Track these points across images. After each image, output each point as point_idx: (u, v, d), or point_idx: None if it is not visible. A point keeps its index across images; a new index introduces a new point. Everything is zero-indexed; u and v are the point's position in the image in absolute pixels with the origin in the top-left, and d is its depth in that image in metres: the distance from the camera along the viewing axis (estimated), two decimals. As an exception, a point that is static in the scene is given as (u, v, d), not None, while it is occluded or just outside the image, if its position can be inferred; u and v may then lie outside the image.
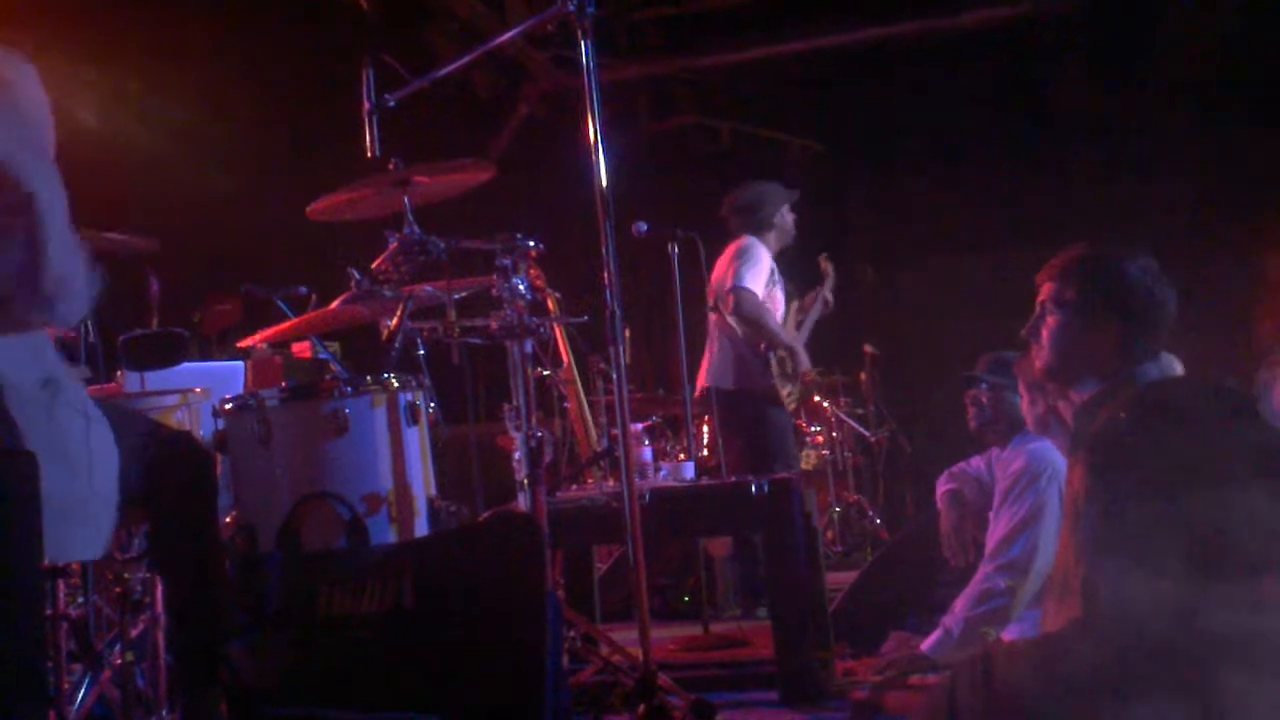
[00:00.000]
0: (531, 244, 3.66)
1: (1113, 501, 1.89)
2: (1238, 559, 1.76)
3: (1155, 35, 7.81)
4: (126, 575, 3.10)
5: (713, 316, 5.45)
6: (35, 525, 2.10)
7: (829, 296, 5.83)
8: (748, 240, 5.43)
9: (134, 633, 3.18)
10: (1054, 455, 3.83)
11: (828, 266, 5.89)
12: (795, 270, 5.91)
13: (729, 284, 5.28)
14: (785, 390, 5.40)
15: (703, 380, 5.49)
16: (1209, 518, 1.77)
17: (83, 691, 3.15)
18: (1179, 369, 2.96)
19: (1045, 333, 2.69)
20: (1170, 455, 1.87)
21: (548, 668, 2.67)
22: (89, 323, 3.33)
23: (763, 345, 5.33)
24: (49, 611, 3.15)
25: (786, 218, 5.60)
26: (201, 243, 5.88)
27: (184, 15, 6.23)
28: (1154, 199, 7.73)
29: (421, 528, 3.23)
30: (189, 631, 2.74)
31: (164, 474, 2.68)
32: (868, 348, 7.99)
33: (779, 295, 5.49)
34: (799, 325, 5.66)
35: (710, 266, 5.33)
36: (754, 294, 5.26)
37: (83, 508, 2.33)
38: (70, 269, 2.36)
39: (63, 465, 2.28)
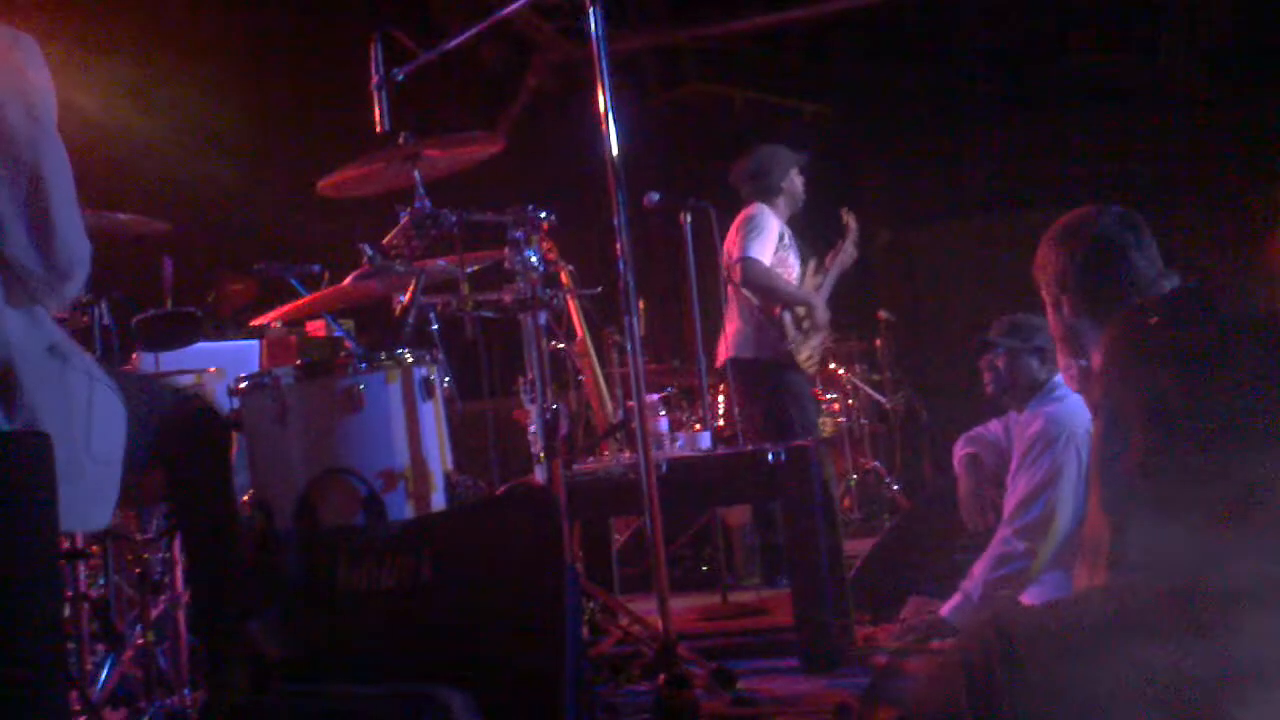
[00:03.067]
0: (544, 216, 3.65)
1: (1145, 395, 1.88)
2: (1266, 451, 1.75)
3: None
4: (146, 556, 3.12)
5: (728, 287, 5.42)
6: (51, 506, 2.11)
7: (853, 249, 5.77)
8: (755, 209, 5.39)
9: (155, 613, 3.19)
10: (1072, 418, 3.81)
11: (850, 219, 5.84)
12: (813, 232, 5.87)
13: (735, 255, 5.25)
14: (804, 353, 5.36)
15: (722, 352, 5.47)
16: (1241, 405, 1.76)
17: (105, 672, 3.17)
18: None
19: (1050, 296, 2.77)
20: (1200, 345, 1.86)
21: (567, 640, 2.68)
22: (103, 304, 3.33)
23: (778, 309, 5.30)
24: (70, 593, 3.18)
25: (795, 181, 5.55)
26: (213, 222, 5.88)
27: (192, -1, 6.22)
28: (1169, 159, 7.67)
29: (438, 502, 3.24)
30: (209, 604, 2.75)
31: (180, 437, 2.70)
32: (882, 313, 7.94)
33: (791, 258, 5.45)
34: (818, 286, 5.62)
35: (724, 236, 5.31)
36: (760, 262, 5.23)
37: (81, 475, 2.34)
38: (78, 247, 2.40)
39: (66, 432, 2.29)
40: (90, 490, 2.37)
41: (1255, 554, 1.70)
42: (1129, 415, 1.88)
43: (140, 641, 3.11)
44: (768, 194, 5.47)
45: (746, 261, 5.22)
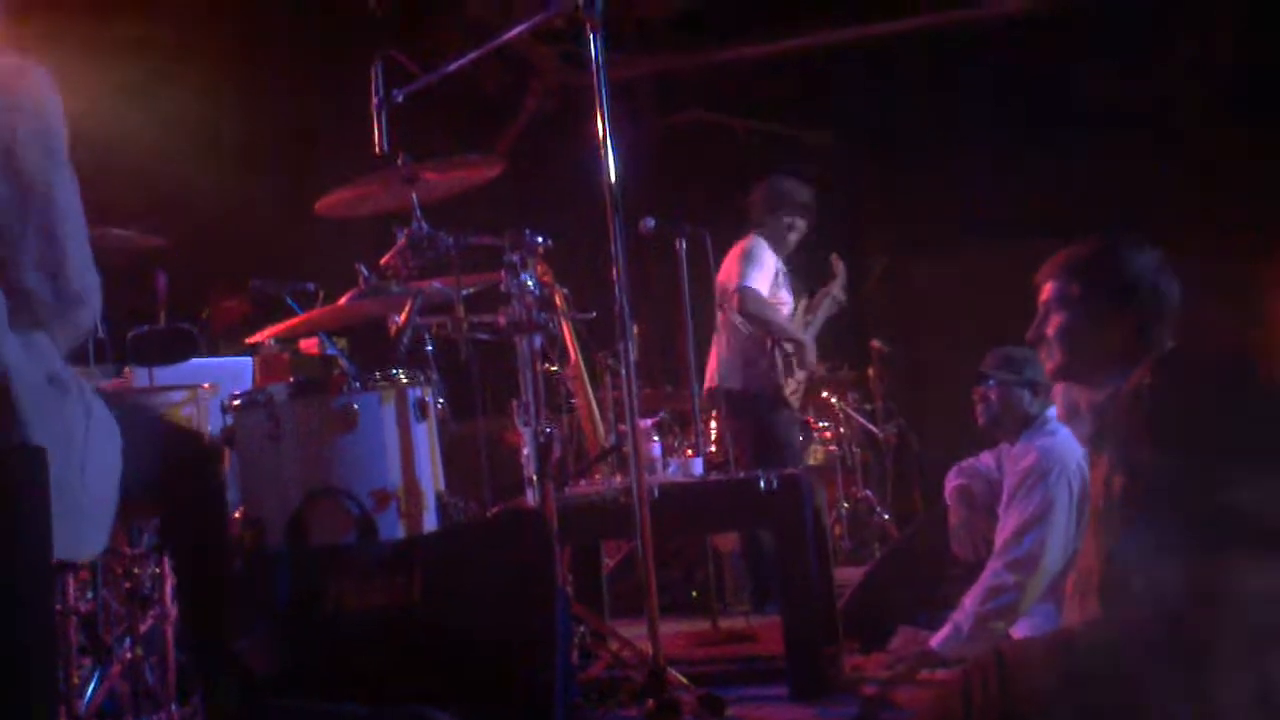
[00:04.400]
0: (540, 240, 3.66)
1: (1136, 468, 1.88)
2: (1261, 526, 1.75)
3: (1171, 26, 7.79)
4: (136, 571, 3.11)
5: (720, 316, 5.45)
6: (45, 520, 2.11)
7: (840, 296, 5.81)
8: (752, 241, 5.43)
9: (143, 628, 3.18)
10: (1063, 452, 3.83)
11: (839, 265, 5.87)
12: (805, 268, 5.89)
13: (734, 284, 5.28)
14: (790, 387, 5.39)
15: (710, 380, 5.49)
16: (1233, 480, 1.76)
17: (92, 686, 3.15)
18: None
19: (1053, 331, 2.67)
20: (1194, 416, 1.86)
21: (557, 663, 2.68)
22: (97, 320, 3.33)
23: (769, 343, 5.33)
24: (58, 606, 3.16)
25: (799, 229, 5.59)
26: (209, 239, 5.88)
27: (192, 12, 6.23)
28: (1169, 191, 7.70)
29: (430, 523, 3.23)
30: (199, 625, 2.74)
31: (172, 471, 2.69)
32: (876, 343, 7.96)
33: (785, 296, 5.49)
34: (807, 325, 5.66)
35: (718, 263, 5.33)
36: (758, 292, 5.26)
37: (76, 506, 2.33)
38: (89, 277, 2.41)
39: (62, 462, 2.29)
40: (84, 519, 2.35)
41: (1246, 589, 1.71)
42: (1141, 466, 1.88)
43: (128, 656, 3.10)
44: (771, 226, 5.50)
45: (745, 290, 5.25)
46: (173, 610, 3.17)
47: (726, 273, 5.36)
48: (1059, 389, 3.11)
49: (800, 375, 5.46)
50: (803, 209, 5.58)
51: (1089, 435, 3.40)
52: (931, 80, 8.34)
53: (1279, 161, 7.29)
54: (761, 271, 5.31)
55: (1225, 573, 1.72)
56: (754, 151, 8.93)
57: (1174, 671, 1.72)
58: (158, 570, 3.19)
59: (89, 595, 3.28)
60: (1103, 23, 7.85)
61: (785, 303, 5.49)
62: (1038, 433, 3.98)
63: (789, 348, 5.37)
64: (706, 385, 5.49)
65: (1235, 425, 1.83)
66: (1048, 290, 2.70)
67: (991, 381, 4.09)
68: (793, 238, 5.58)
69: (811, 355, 5.48)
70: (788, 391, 5.39)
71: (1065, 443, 3.79)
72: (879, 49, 8.34)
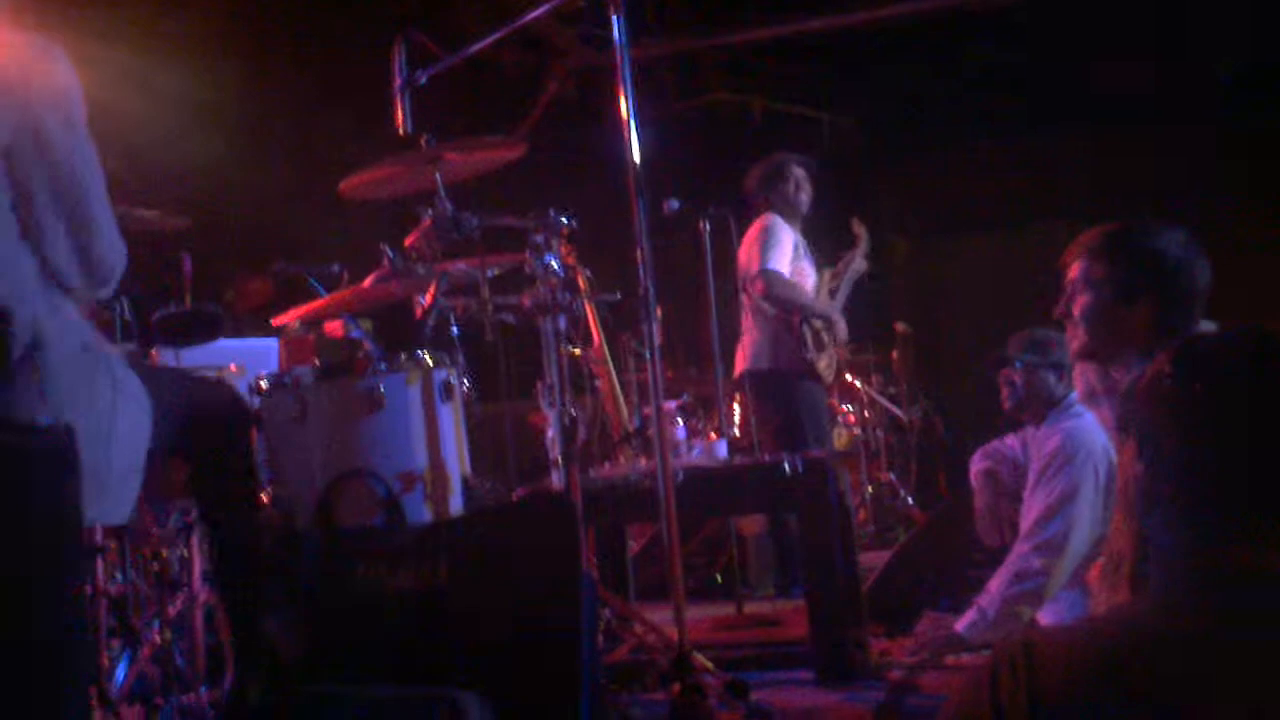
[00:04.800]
0: (565, 220, 3.65)
1: (1158, 457, 1.85)
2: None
3: (1189, 12, 7.72)
4: (164, 553, 3.12)
5: (745, 299, 5.41)
6: (75, 498, 2.12)
7: (862, 264, 5.76)
8: (768, 219, 5.38)
9: (172, 611, 3.20)
10: (1089, 434, 3.80)
11: (860, 230, 5.83)
12: (829, 241, 5.86)
13: (754, 268, 5.24)
14: (823, 361, 5.35)
15: (740, 363, 5.46)
16: (1256, 466, 1.74)
17: (122, 668, 3.17)
18: None
19: (1078, 312, 2.65)
20: (1215, 403, 1.84)
21: (583, 646, 2.67)
22: (124, 300, 3.34)
23: (797, 320, 5.29)
24: (89, 589, 3.18)
25: (804, 189, 5.54)
26: (234, 220, 5.90)
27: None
28: (1192, 177, 7.65)
29: (456, 505, 3.23)
30: (232, 594, 2.77)
31: (206, 424, 2.73)
32: (899, 326, 7.93)
33: (807, 267, 5.44)
34: (833, 293, 5.61)
35: (741, 243, 5.30)
36: (779, 274, 5.23)
37: (102, 475, 2.36)
38: (116, 251, 2.45)
39: (92, 427, 2.32)
40: (113, 485, 2.38)
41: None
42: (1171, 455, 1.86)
43: (157, 639, 3.11)
44: (779, 203, 5.47)
45: (766, 274, 5.21)
46: (201, 593, 3.19)
47: (746, 256, 5.32)
48: (1078, 370, 3.09)
49: (832, 350, 5.42)
50: (799, 163, 5.54)
51: (1114, 418, 3.38)
52: (954, 63, 8.29)
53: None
54: (780, 250, 5.26)
55: (1251, 559, 1.70)
56: (774, 133, 8.88)
57: (1206, 663, 1.70)
58: (186, 553, 3.20)
59: (118, 577, 3.30)
60: (1121, 9, 7.78)
61: (808, 275, 5.44)
62: (1063, 415, 3.95)
63: (818, 324, 5.34)
64: (737, 368, 5.46)
65: (1257, 413, 1.81)
66: (1074, 270, 2.68)
67: (1017, 364, 4.07)
68: (803, 199, 5.52)
69: (841, 328, 5.44)
70: (820, 366, 5.34)
71: (1091, 426, 3.76)
72: (901, 30, 8.27)
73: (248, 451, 2.84)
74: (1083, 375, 3.17)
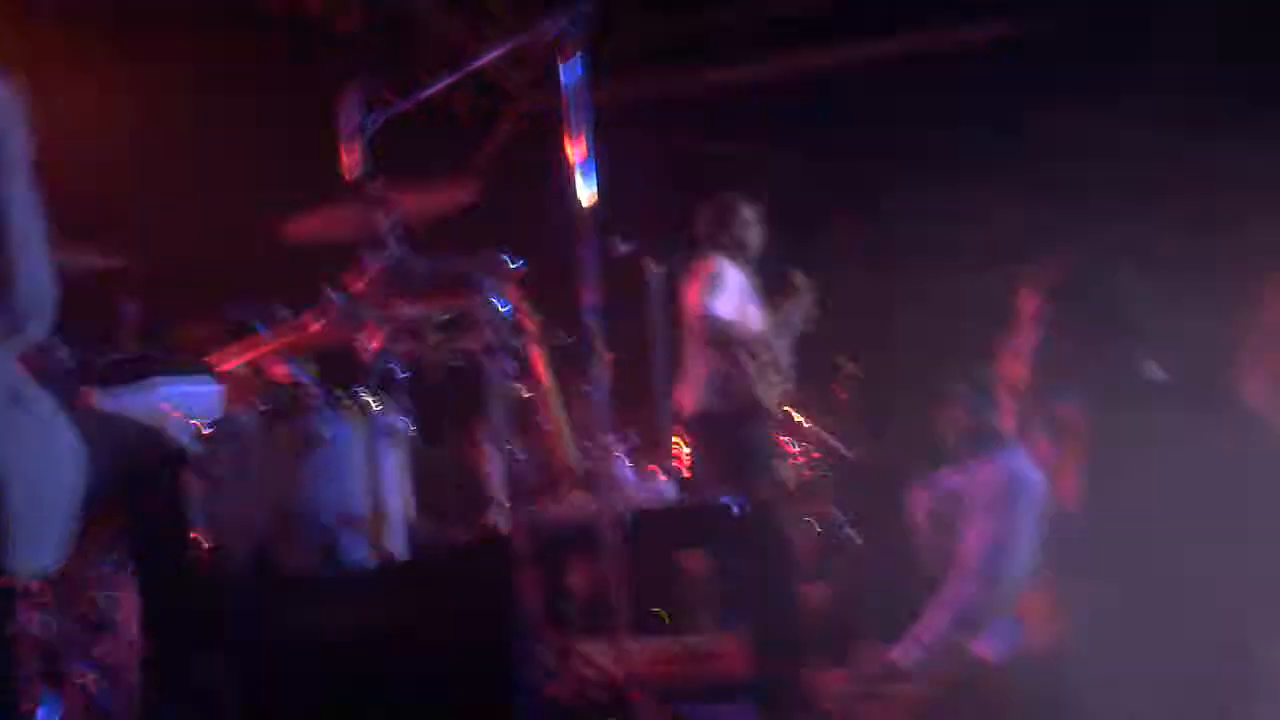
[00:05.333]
0: (514, 263, 3.68)
1: (1101, 505, 1.92)
2: (1219, 557, 1.79)
3: (1138, 57, 7.87)
4: (93, 595, 3.09)
5: (690, 340, 5.45)
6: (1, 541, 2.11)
7: (797, 323, 5.77)
8: (713, 263, 5.40)
9: (100, 653, 3.16)
10: (1028, 469, 3.87)
11: (801, 283, 5.89)
12: (774, 280, 5.91)
13: (698, 313, 5.27)
14: (770, 394, 5.38)
15: (687, 405, 5.48)
16: (1192, 517, 1.80)
17: (44, 712, 3.12)
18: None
19: (1026, 347, 2.71)
20: (1155, 456, 1.90)
21: (520, 687, 2.68)
22: (60, 342, 3.33)
23: (742, 355, 5.32)
24: (12, 630, 3.14)
25: (750, 228, 5.59)
26: (178, 262, 5.87)
27: (165, 30, 6.23)
28: (1134, 219, 7.77)
29: (398, 548, 3.24)
30: (161, 646, 2.74)
31: (135, 466, 2.70)
32: (844, 361, 8.02)
33: (753, 310, 5.49)
34: (779, 328, 5.65)
35: (688, 284, 5.35)
36: (721, 319, 5.25)
37: (34, 519, 2.34)
38: (39, 293, 2.41)
39: (20, 476, 2.30)
40: (42, 533, 2.36)
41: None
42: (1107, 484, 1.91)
43: (84, 682, 3.08)
44: (727, 244, 5.51)
45: (709, 320, 5.24)
46: (130, 636, 3.16)
47: (691, 299, 5.36)
48: (1006, 408, 3.15)
49: (778, 380, 5.45)
50: (749, 205, 5.59)
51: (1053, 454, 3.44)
52: (903, 106, 8.40)
53: (1241, 193, 7.37)
54: (724, 294, 5.29)
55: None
56: (723, 173, 8.96)
57: (1139, 695, 1.75)
58: (115, 594, 3.17)
59: (45, 620, 3.26)
60: (1077, 48, 7.92)
61: (755, 316, 5.49)
62: (1002, 451, 4.02)
63: (765, 357, 5.37)
64: (685, 409, 5.48)
65: (1178, 443, 1.87)
66: (1025, 308, 2.74)
67: (958, 400, 4.14)
68: (750, 239, 5.57)
69: (786, 359, 5.48)
70: (767, 400, 5.37)
71: (1029, 461, 3.83)
72: (853, 72, 8.39)
73: (180, 498, 2.82)
74: (1012, 411, 3.23)
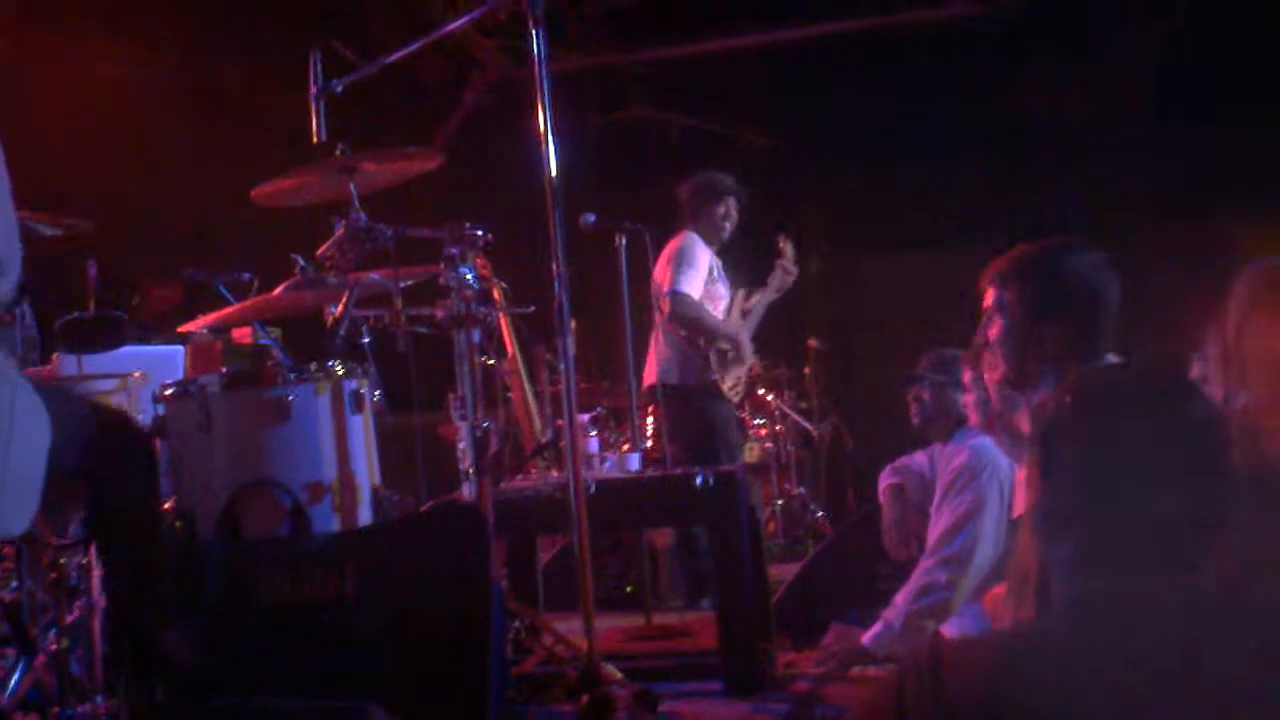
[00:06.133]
0: (480, 233, 3.64)
1: (1058, 485, 1.91)
2: (1178, 541, 1.79)
3: (1106, 34, 7.91)
4: (62, 561, 3.05)
5: (658, 314, 5.45)
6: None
7: (791, 268, 5.79)
8: (685, 239, 5.42)
9: (70, 619, 3.12)
10: (995, 452, 3.88)
11: (786, 244, 5.89)
12: (749, 262, 5.91)
13: (664, 289, 5.28)
14: (728, 383, 5.42)
15: (649, 377, 5.49)
16: (1149, 499, 1.80)
17: (16, 677, 3.09)
18: None
19: (994, 338, 2.68)
20: (1111, 435, 1.90)
21: (491, 658, 2.67)
22: (25, 305, 3.26)
23: (703, 340, 5.35)
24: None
25: (732, 213, 5.60)
26: (142, 225, 5.79)
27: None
28: (1106, 198, 7.82)
29: (365, 516, 3.21)
30: (127, 613, 2.70)
31: (103, 453, 2.65)
32: (812, 342, 8.04)
33: (721, 289, 5.49)
34: (745, 314, 5.67)
35: (657, 259, 5.34)
36: (688, 296, 5.26)
37: (1, 483, 2.30)
38: (9, 242, 2.36)
39: None
40: (9, 496, 2.31)
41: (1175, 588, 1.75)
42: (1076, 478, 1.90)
43: (53, 647, 3.04)
44: (703, 222, 5.51)
45: (675, 296, 5.26)
46: (100, 601, 3.12)
47: (660, 274, 5.36)
48: (971, 397, 3.16)
49: (737, 371, 5.49)
50: (733, 192, 5.60)
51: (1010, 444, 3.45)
52: (872, 83, 8.40)
53: (1211, 170, 7.43)
54: (694, 272, 5.31)
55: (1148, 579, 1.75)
56: (692, 150, 8.94)
57: (1109, 679, 1.75)
58: (85, 560, 3.13)
59: (13, 585, 3.22)
60: (1041, 28, 7.95)
61: (721, 297, 5.50)
62: (970, 433, 4.02)
63: (724, 345, 5.39)
64: (646, 381, 5.49)
65: (1148, 439, 1.87)
66: (988, 297, 2.72)
67: (926, 382, 4.15)
68: (727, 225, 5.59)
69: (748, 350, 5.51)
70: (726, 386, 5.41)
71: (997, 442, 3.84)
72: (819, 50, 8.38)
73: (147, 477, 2.76)
74: (976, 401, 3.24)
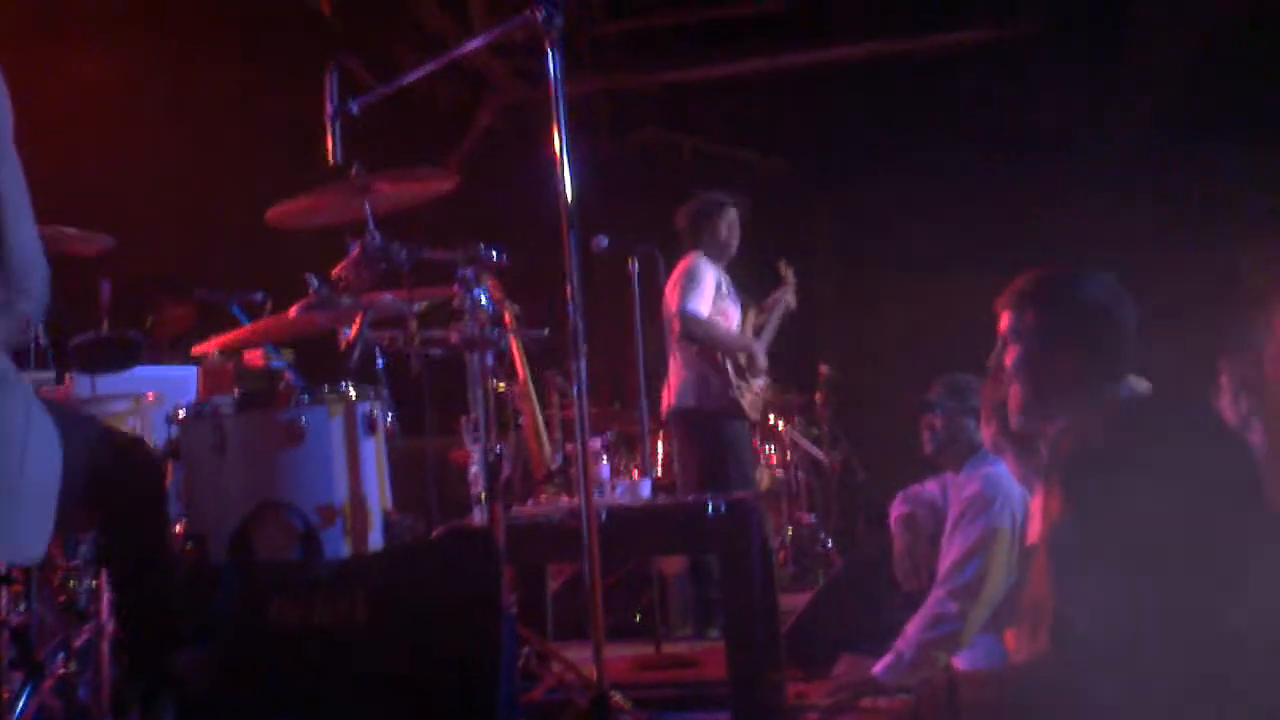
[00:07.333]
0: (495, 255, 3.63)
1: (1090, 522, 1.89)
2: (1211, 575, 1.77)
3: (1118, 58, 7.92)
4: (71, 583, 3.04)
5: (670, 337, 5.45)
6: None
7: (791, 300, 5.82)
8: (692, 260, 5.43)
9: (78, 642, 3.11)
10: (1007, 481, 3.85)
11: (788, 272, 5.90)
12: (758, 283, 5.92)
13: (674, 309, 5.29)
14: (748, 398, 5.40)
15: (667, 402, 5.48)
16: (1184, 534, 1.79)
17: (23, 701, 3.07)
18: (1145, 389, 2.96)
19: (1010, 365, 2.64)
20: (1145, 472, 1.88)
21: (500, 686, 2.65)
22: (39, 324, 3.26)
23: (720, 356, 5.34)
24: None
25: (734, 229, 5.60)
26: (156, 245, 5.80)
27: (147, 13, 6.16)
28: (1119, 221, 7.81)
29: (376, 541, 3.19)
30: (137, 639, 2.68)
31: (114, 479, 2.63)
32: (824, 368, 8.02)
33: (730, 307, 5.49)
34: (758, 330, 5.67)
35: (667, 282, 5.35)
36: (698, 315, 5.27)
37: (14, 508, 2.28)
38: (35, 266, 2.36)
39: (2, 461, 2.23)
40: (25, 521, 2.30)
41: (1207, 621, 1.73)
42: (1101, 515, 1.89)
43: (61, 671, 3.03)
44: (707, 242, 5.52)
45: (684, 315, 5.26)
46: (108, 625, 3.10)
47: (669, 295, 5.37)
48: (983, 422, 3.14)
49: (757, 384, 5.47)
50: (731, 204, 5.60)
51: (1021, 468, 3.43)
52: (886, 108, 8.42)
53: (1223, 192, 7.42)
54: (701, 291, 5.31)
55: (1178, 614, 1.74)
56: (705, 171, 8.95)
57: (1123, 711, 1.73)
58: (94, 583, 3.12)
59: (21, 608, 3.21)
60: (1048, 53, 7.96)
61: (731, 315, 5.50)
62: (982, 461, 4.00)
63: (741, 358, 5.39)
64: (664, 406, 5.48)
65: (1180, 475, 1.85)
66: (1004, 322, 2.68)
67: (938, 409, 4.12)
68: (733, 240, 5.59)
69: (762, 360, 5.51)
70: (745, 403, 5.39)
71: (1009, 472, 3.82)
72: (831, 72, 8.40)
73: (156, 502, 2.74)
74: (987, 426, 3.23)
